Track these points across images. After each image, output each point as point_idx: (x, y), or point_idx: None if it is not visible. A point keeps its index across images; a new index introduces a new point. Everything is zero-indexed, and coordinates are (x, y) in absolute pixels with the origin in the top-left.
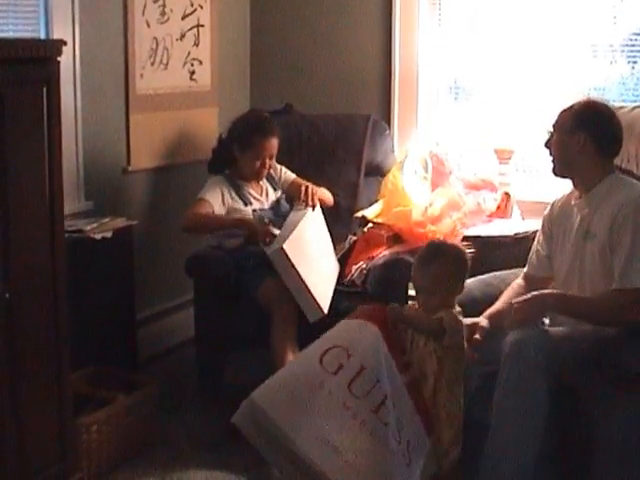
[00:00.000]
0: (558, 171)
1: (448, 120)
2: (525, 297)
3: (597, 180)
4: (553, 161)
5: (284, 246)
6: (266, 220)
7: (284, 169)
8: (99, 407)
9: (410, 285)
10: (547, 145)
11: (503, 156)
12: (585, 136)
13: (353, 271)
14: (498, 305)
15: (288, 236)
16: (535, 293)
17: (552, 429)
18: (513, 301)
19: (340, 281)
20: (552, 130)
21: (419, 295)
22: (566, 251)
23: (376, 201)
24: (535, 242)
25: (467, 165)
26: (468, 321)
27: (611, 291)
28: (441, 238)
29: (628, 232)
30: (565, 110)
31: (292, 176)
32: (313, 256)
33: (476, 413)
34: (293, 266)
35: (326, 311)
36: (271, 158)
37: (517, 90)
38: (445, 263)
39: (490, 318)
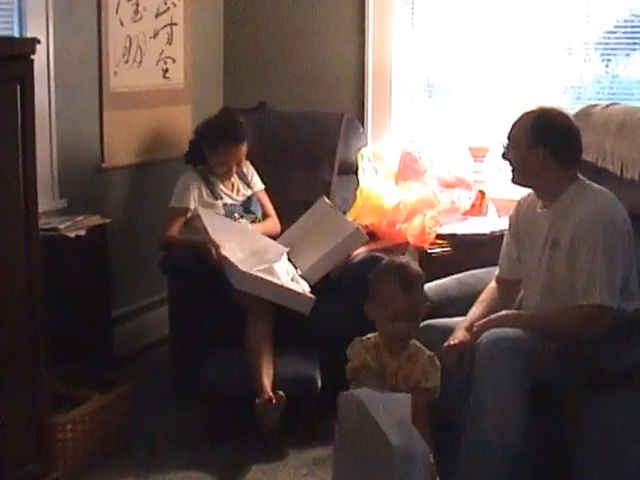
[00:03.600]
0: (519, 183)
1: (422, 118)
2: (484, 320)
3: (561, 191)
4: (513, 172)
5: (243, 271)
6: (236, 215)
7: (255, 176)
8: (74, 406)
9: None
10: (504, 157)
11: (478, 154)
12: (544, 152)
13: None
14: (475, 311)
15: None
16: (492, 316)
17: (531, 430)
18: (475, 325)
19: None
20: (507, 142)
21: (400, 323)
22: (533, 258)
23: (351, 200)
24: (504, 244)
25: (441, 163)
26: (455, 341)
27: (571, 307)
28: (410, 239)
29: (587, 248)
30: (519, 122)
31: (259, 187)
32: (266, 256)
33: (454, 415)
34: (262, 279)
35: (313, 296)
36: (239, 163)
37: (492, 88)
38: (422, 284)
39: (470, 329)
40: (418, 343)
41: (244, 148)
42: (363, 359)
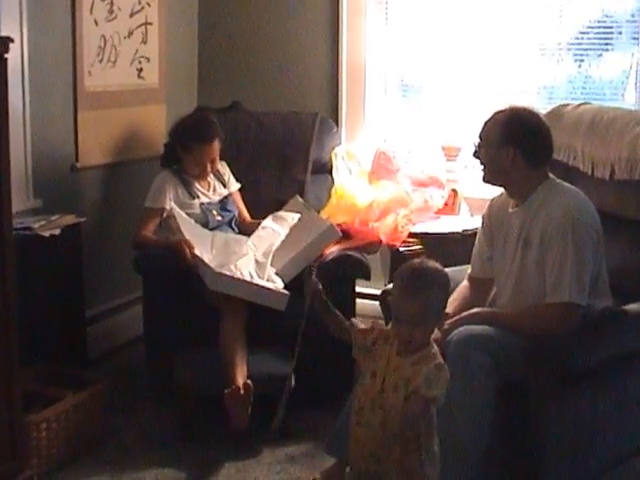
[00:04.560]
0: (490, 181)
1: (396, 118)
2: (455, 318)
3: (532, 190)
4: (484, 170)
5: (215, 271)
6: (214, 212)
7: (232, 177)
8: (48, 405)
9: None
10: (475, 156)
11: (450, 153)
12: (514, 150)
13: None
14: (447, 309)
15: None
16: (463, 314)
17: (501, 425)
18: (446, 323)
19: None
20: (479, 141)
21: (401, 326)
22: (506, 257)
23: (325, 199)
24: (476, 242)
25: (415, 162)
26: None
27: (541, 305)
28: (383, 237)
29: (556, 246)
30: (490, 121)
31: (235, 188)
32: (229, 250)
33: None
34: (235, 278)
35: (287, 291)
36: (213, 162)
37: (465, 88)
38: (438, 290)
39: (440, 327)
40: (435, 350)
41: (217, 146)
42: (374, 337)
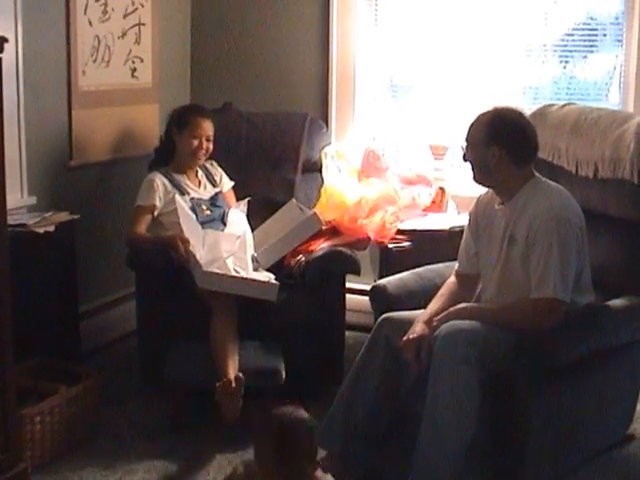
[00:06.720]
0: (479, 181)
1: (385, 117)
2: (442, 314)
3: (517, 188)
4: (473, 171)
5: (204, 270)
6: (203, 207)
7: (224, 177)
8: (42, 399)
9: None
10: (465, 159)
11: (438, 152)
12: (499, 150)
13: (292, 263)
14: (434, 305)
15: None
16: (451, 309)
17: (486, 418)
18: (434, 319)
19: (279, 273)
20: (466, 143)
21: None
22: (491, 252)
23: (315, 198)
24: (463, 239)
25: (403, 161)
26: (414, 335)
27: (526, 300)
28: (371, 234)
29: (541, 243)
30: (475, 123)
31: (227, 187)
32: (220, 247)
33: (413, 405)
34: (223, 275)
35: (276, 282)
36: (208, 140)
37: (453, 88)
38: (310, 448)
39: (429, 323)
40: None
41: (211, 126)
42: None
